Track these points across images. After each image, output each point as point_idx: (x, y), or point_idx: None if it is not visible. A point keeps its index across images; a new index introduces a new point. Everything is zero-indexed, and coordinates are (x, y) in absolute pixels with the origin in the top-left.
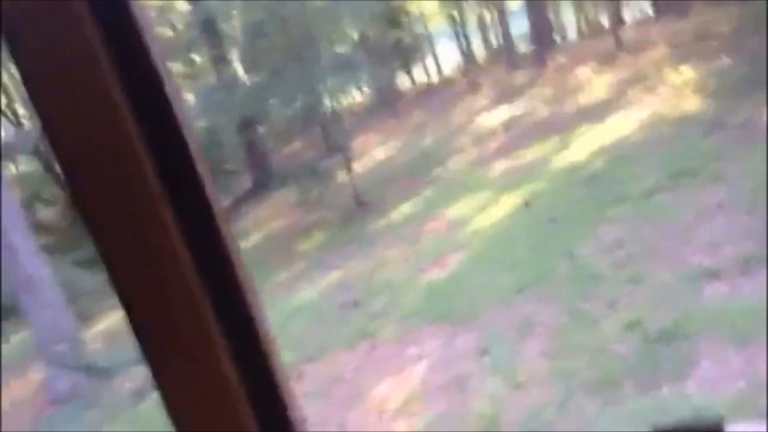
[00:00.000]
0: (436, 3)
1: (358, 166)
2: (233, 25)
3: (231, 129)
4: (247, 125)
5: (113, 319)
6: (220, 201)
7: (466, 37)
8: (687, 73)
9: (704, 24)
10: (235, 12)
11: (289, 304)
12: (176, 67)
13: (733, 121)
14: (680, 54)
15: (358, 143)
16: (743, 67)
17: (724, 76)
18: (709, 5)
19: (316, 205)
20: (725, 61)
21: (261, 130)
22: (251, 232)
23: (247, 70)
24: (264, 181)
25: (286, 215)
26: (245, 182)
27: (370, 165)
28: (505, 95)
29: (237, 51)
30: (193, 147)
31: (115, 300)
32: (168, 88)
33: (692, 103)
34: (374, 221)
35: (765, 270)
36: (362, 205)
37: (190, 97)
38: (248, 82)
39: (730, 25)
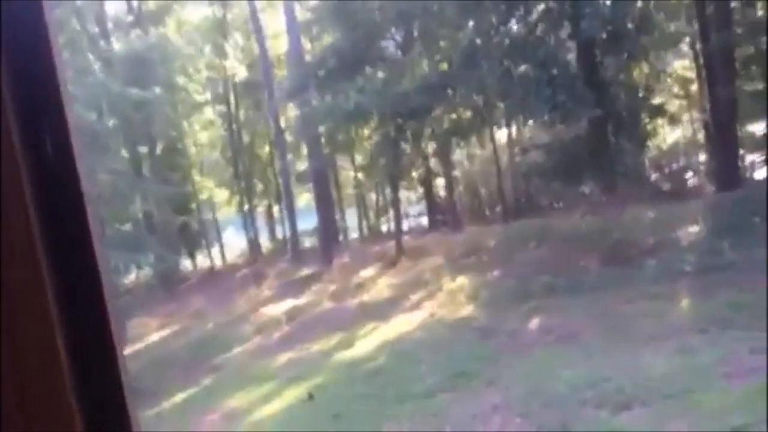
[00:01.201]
0: (225, 191)
1: (131, 349)
2: None
3: None
4: None
5: None
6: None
7: (254, 228)
8: (461, 282)
9: (475, 238)
10: None
11: None
12: None
13: (504, 329)
14: (455, 264)
15: (132, 325)
16: (511, 279)
17: (493, 287)
18: (478, 222)
19: None
20: (494, 273)
21: None
22: None
23: None
24: None
25: None
26: None
27: (145, 349)
28: (290, 288)
29: None
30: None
31: None
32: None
33: (467, 310)
34: (145, 409)
35: None
36: (132, 392)
37: None
38: None
39: (497, 241)
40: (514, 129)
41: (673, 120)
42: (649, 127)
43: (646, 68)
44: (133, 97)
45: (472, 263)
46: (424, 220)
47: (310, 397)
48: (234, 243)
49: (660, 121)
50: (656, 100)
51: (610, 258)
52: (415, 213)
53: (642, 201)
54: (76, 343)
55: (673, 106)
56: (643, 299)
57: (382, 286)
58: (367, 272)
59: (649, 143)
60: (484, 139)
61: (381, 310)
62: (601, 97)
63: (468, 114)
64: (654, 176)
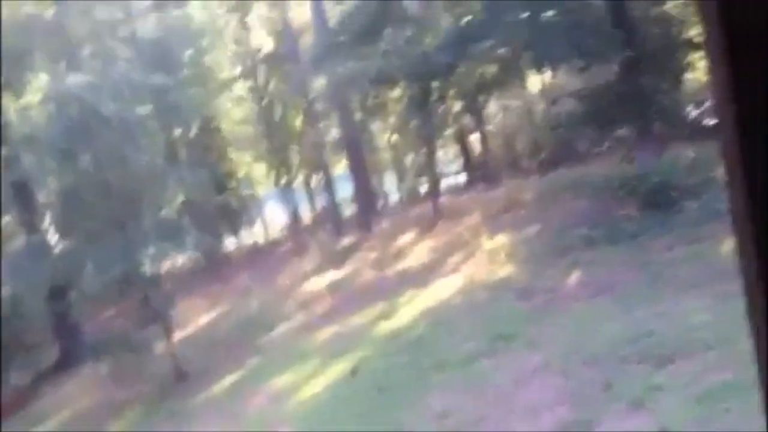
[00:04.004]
0: (263, 165)
1: (179, 335)
2: (48, 189)
3: (38, 297)
4: (56, 293)
5: None
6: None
7: (293, 200)
8: (499, 240)
9: (511, 193)
10: (50, 178)
11: None
12: None
13: (542, 287)
14: (492, 221)
15: (180, 309)
16: (548, 233)
17: (531, 244)
18: (515, 176)
19: (132, 380)
20: (532, 229)
21: (72, 297)
22: (51, 414)
23: (60, 236)
24: (73, 354)
25: (96, 392)
26: (52, 355)
27: (193, 333)
28: (331, 259)
29: (50, 215)
30: None
31: None
32: None
33: (505, 270)
34: (195, 395)
35: None
36: (183, 377)
37: None
38: (60, 248)
39: (534, 194)
40: (548, 77)
41: None
42: (685, 62)
43: None
44: (155, 83)
45: (510, 219)
46: (463, 178)
47: (353, 373)
48: (276, 217)
49: (696, 54)
50: (691, 33)
51: (649, 203)
52: (453, 171)
53: (681, 140)
54: None
55: None
56: (684, 244)
57: (420, 251)
58: (406, 237)
59: (689, 76)
60: (516, 90)
61: (420, 277)
62: (632, 36)
63: (494, 69)
64: (694, 113)
